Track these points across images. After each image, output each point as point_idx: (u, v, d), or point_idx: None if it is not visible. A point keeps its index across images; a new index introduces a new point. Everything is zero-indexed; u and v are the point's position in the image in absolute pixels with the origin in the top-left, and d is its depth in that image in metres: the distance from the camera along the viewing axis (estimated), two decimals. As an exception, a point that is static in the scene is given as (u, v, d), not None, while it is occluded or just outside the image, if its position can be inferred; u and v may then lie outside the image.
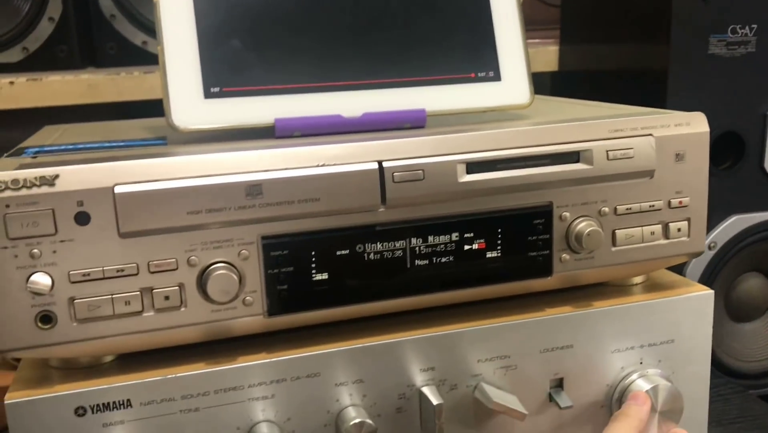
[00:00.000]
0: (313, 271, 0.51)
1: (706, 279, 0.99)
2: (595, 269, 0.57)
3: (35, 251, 0.46)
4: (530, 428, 0.57)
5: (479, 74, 0.59)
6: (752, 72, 0.97)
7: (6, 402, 0.47)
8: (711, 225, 0.99)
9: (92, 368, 0.51)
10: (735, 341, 1.06)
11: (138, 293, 0.48)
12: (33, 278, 0.46)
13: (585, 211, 0.55)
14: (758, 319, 1.14)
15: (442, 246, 0.53)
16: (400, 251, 0.53)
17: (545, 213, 0.54)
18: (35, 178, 0.45)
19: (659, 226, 0.57)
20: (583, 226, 0.55)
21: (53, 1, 1.15)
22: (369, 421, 0.51)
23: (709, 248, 0.99)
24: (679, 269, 0.96)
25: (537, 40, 1.19)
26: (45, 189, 0.45)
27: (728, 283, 1.03)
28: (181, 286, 0.48)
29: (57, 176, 0.46)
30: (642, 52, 1.01)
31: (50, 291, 0.46)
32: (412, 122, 0.56)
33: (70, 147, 0.54)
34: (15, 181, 0.45)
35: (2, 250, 0.45)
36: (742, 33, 0.96)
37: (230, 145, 0.51)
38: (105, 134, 0.62)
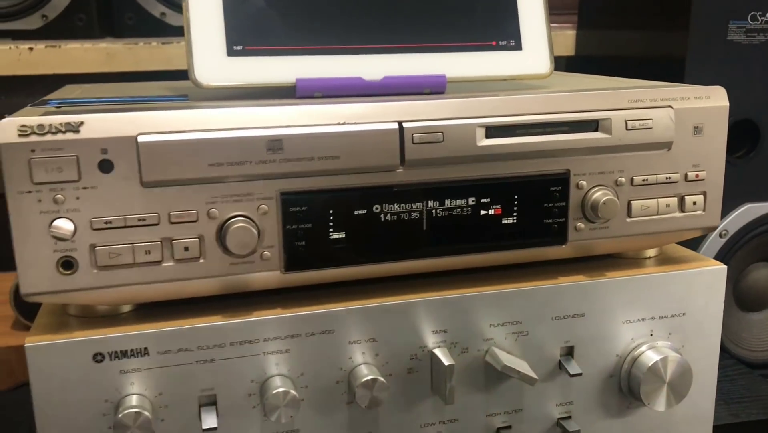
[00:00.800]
0: (331, 229, 0.52)
1: (717, 266, 0.99)
2: (609, 240, 0.57)
3: (59, 196, 0.46)
4: (539, 394, 0.57)
5: (500, 42, 0.59)
6: (771, 60, 0.97)
7: (26, 345, 0.48)
8: (723, 213, 0.99)
9: (110, 318, 0.51)
10: (743, 330, 1.06)
11: (158, 242, 0.48)
12: (56, 223, 0.46)
13: (602, 181, 0.56)
14: (762, 311, 1.14)
15: (459, 210, 0.54)
16: (416, 213, 0.53)
17: (562, 181, 0.55)
18: (61, 124, 0.46)
19: (675, 198, 0.57)
20: (600, 195, 0.55)
21: (74, -32, 1.16)
22: (381, 379, 0.51)
23: (720, 235, 0.99)
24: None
25: (554, 24, 1.19)
26: (70, 135, 0.46)
27: (738, 272, 1.03)
28: (200, 237, 0.49)
29: (82, 123, 0.46)
30: (660, 37, 1.01)
31: (72, 237, 0.47)
32: (432, 87, 0.56)
33: (93, 100, 0.55)
34: (41, 126, 0.45)
35: (27, 194, 0.46)
36: (762, 20, 0.95)
37: (251, 102, 0.52)
38: (126, 92, 0.63)
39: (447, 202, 0.53)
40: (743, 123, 0.96)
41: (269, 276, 0.51)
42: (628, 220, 0.57)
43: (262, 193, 0.50)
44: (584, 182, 0.55)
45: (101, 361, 0.49)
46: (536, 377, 0.54)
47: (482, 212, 0.54)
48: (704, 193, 0.58)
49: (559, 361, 0.57)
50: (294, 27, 0.55)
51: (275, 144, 0.49)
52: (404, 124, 0.51)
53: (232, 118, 0.48)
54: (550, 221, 0.55)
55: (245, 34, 0.54)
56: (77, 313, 0.52)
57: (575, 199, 0.55)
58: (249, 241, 0.49)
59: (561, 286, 0.56)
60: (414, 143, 0.51)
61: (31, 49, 1.21)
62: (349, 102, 0.51)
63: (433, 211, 0.53)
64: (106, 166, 0.47)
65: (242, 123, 0.48)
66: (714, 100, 0.57)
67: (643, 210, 0.57)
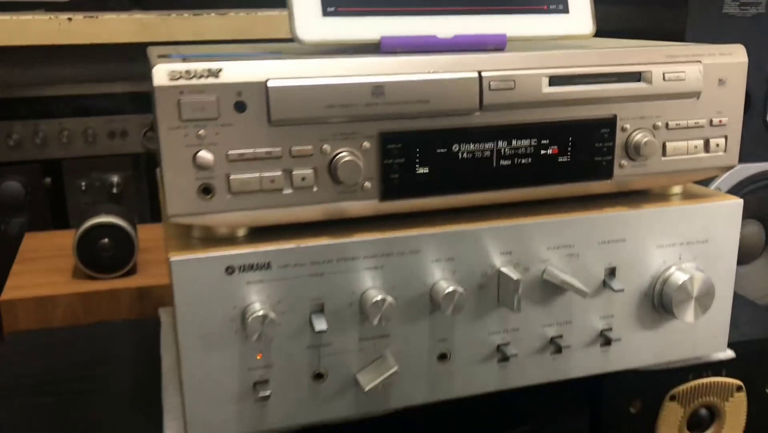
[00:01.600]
0: (417, 164, 0.61)
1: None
2: (647, 176, 0.67)
3: (201, 132, 0.55)
4: (586, 309, 0.67)
5: (551, 6, 0.68)
6: (761, 32, 1.08)
7: (171, 260, 0.56)
8: (718, 170, 1.10)
9: (227, 240, 0.60)
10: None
11: (281, 173, 0.57)
12: (199, 154, 0.55)
13: (642, 125, 0.65)
14: (750, 264, 1.26)
15: (523, 149, 0.63)
16: (488, 152, 0.62)
17: (610, 124, 0.64)
18: (204, 70, 0.54)
19: (701, 141, 0.68)
20: (641, 137, 0.65)
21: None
22: (461, 290, 0.61)
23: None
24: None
25: None
26: (211, 80, 0.54)
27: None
28: (315, 169, 0.58)
29: (221, 69, 0.54)
30: (660, 12, 1.10)
31: (211, 167, 0.55)
32: (495, 45, 0.65)
33: (208, 54, 0.63)
34: (188, 72, 0.54)
35: (176, 129, 0.54)
36: (754, -7, 1.06)
37: (355, 55, 0.60)
38: (221, 51, 0.71)
39: (514, 142, 0.63)
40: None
41: (367, 204, 0.60)
42: (663, 159, 0.67)
43: (365, 132, 0.59)
44: (628, 126, 0.65)
45: (232, 273, 0.57)
46: (587, 290, 0.64)
47: (542, 152, 0.64)
48: (725, 137, 0.68)
49: (604, 280, 0.67)
50: (380, -9, 0.63)
51: (378, 90, 0.58)
52: (483, 73, 0.60)
53: (344, 66, 0.57)
54: (600, 158, 0.65)
55: (338, -3, 0.62)
56: (200, 235, 0.60)
57: (620, 141, 0.65)
58: (355, 172, 0.58)
59: (606, 215, 0.66)
60: (491, 90, 0.60)
61: (69, 19, 1.28)
62: (434, 55, 0.60)
63: (502, 150, 0.63)
64: (240, 107, 0.55)
65: (352, 71, 0.57)
66: (735, 57, 0.67)
67: (675, 150, 0.67)
